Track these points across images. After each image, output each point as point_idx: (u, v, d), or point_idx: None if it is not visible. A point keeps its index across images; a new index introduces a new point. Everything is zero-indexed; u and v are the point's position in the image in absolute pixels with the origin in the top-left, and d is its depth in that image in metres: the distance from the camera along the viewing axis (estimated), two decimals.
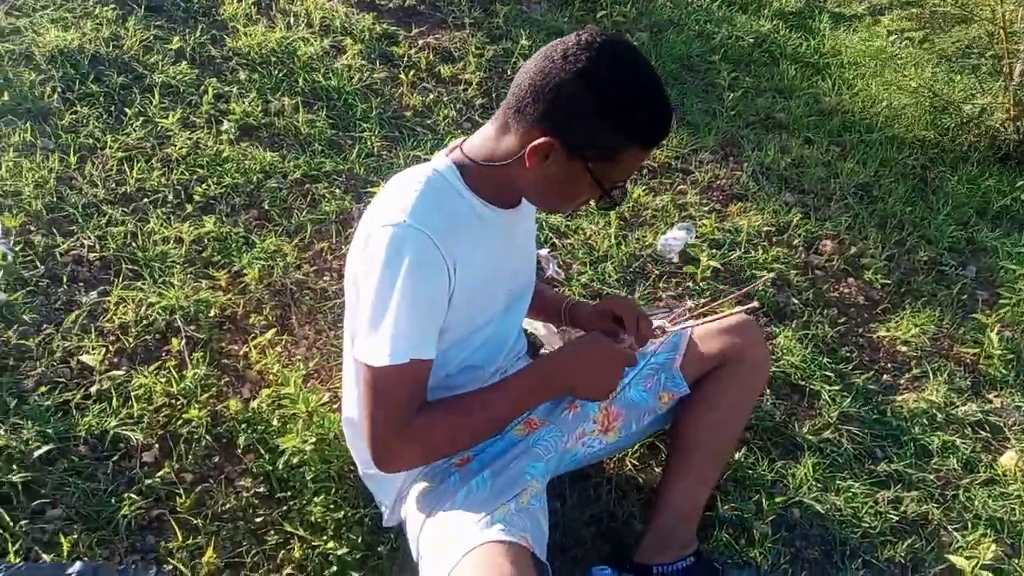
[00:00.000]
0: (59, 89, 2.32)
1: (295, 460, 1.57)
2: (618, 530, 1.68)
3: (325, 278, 2.04)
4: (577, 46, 1.14)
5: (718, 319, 1.59)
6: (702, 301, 2.14)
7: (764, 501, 1.79)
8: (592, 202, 1.29)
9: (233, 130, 2.35)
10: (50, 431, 1.53)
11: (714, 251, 2.43)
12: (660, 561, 1.51)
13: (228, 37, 2.70)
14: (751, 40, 3.56)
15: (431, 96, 2.75)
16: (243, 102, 2.46)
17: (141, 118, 2.31)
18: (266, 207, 2.17)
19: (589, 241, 2.37)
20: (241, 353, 1.79)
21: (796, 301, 2.38)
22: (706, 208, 2.64)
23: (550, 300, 1.65)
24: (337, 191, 2.29)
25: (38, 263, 1.85)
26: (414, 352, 1.18)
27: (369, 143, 2.48)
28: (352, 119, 2.56)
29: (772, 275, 2.39)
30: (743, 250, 2.49)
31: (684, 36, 3.41)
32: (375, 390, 1.20)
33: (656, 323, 1.55)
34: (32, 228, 1.93)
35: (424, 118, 2.67)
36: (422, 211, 1.20)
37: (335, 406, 1.72)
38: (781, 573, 1.68)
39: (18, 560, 1.37)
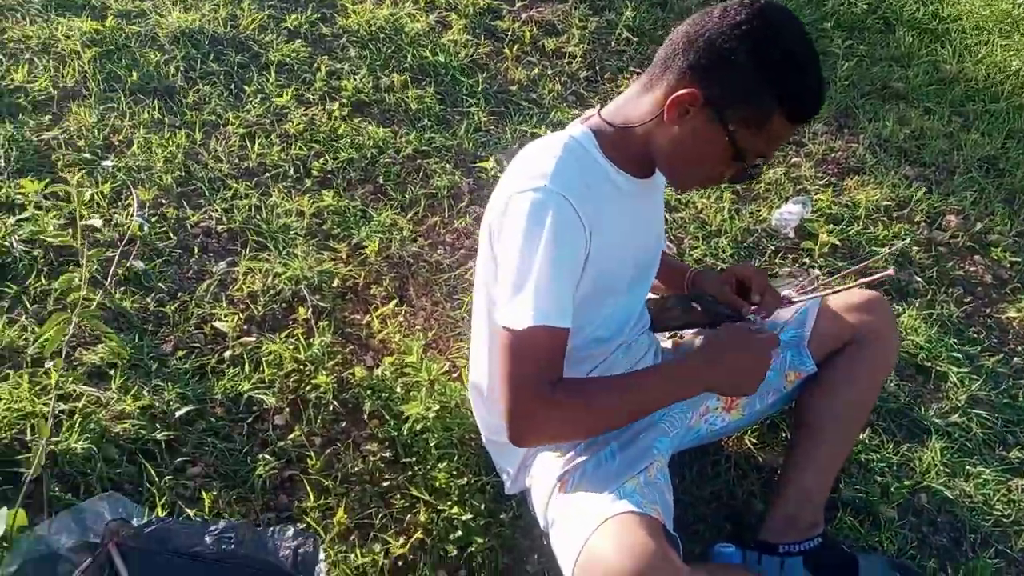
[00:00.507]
0: (182, 68, 2.41)
1: (418, 427, 1.60)
2: (738, 508, 1.65)
3: (439, 251, 2.07)
4: (739, 4, 1.11)
5: (849, 289, 1.53)
6: (827, 272, 2.06)
7: (890, 485, 1.73)
8: (727, 179, 1.26)
9: (346, 106, 2.40)
10: (189, 393, 1.61)
11: (832, 226, 2.34)
12: (787, 540, 1.48)
13: (338, 15, 2.75)
14: (864, 6, 3.39)
15: (535, 70, 2.74)
16: (354, 79, 2.50)
17: (259, 95, 2.38)
18: (380, 181, 2.21)
19: (701, 215, 2.32)
20: (364, 323, 1.84)
21: (919, 279, 2.27)
22: (821, 182, 2.54)
23: (673, 269, 1.62)
24: (447, 166, 2.31)
25: (171, 234, 1.94)
26: (555, 318, 1.16)
27: (476, 118, 2.49)
28: (459, 94, 2.57)
29: (907, 241, 2.28)
30: (862, 225, 2.39)
31: (794, 3, 3.27)
32: (513, 355, 1.17)
33: (783, 292, 1.50)
34: (164, 201, 2.02)
35: (529, 92, 2.66)
36: (562, 176, 1.19)
37: (455, 375, 1.75)
38: (908, 559, 1.62)
39: (163, 513, 1.45)
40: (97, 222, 1.72)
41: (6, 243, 1.82)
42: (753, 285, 1.46)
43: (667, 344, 1.65)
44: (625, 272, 1.37)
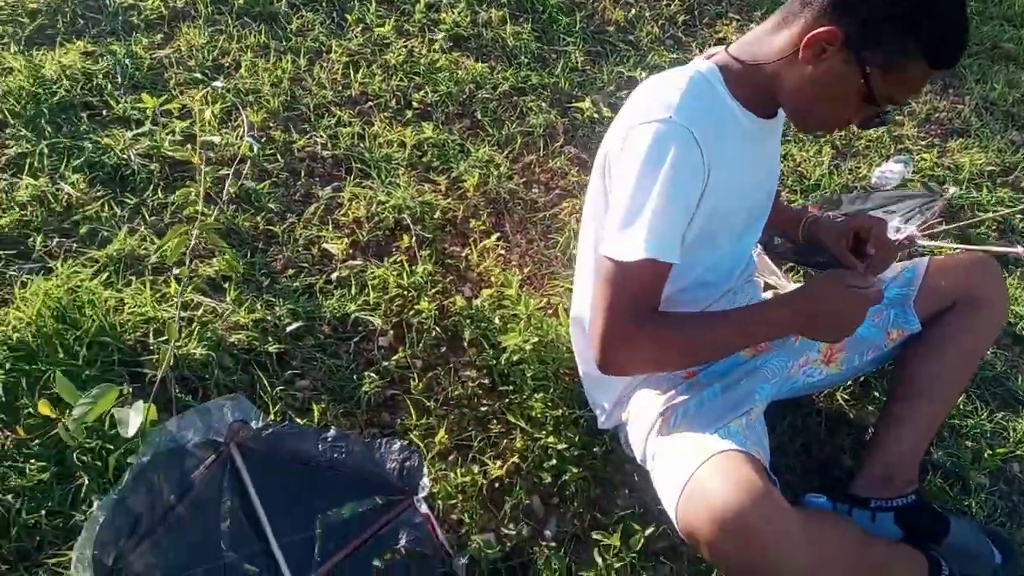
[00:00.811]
0: None
1: (515, 358, 1.64)
2: (827, 462, 1.66)
3: (534, 190, 2.08)
4: None
5: (971, 251, 1.49)
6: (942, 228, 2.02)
7: (982, 451, 1.71)
8: (854, 124, 1.23)
9: (445, 40, 2.40)
10: (299, 310, 1.67)
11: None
12: (880, 496, 1.49)
13: None
14: None
15: (633, 11, 2.69)
16: (453, 12, 2.49)
17: (360, 25, 2.39)
18: (478, 116, 2.22)
19: (799, 168, 2.27)
20: (462, 255, 1.87)
21: (1021, 248, 2.20)
22: (924, 142, 2.46)
23: (788, 214, 1.60)
24: (543, 104, 2.30)
25: (279, 157, 1.99)
26: (664, 252, 1.15)
27: (573, 58, 2.47)
28: (556, 32, 2.55)
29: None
30: (964, 189, 2.31)
31: None
32: (615, 286, 1.18)
33: (909, 229, 1.47)
34: (271, 124, 2.07)
35: (626, 34, 2.62)
36: (688, 110, 1.18)
37: (550, 311, 1.78)
38: (997, 525, 1.62)
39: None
40: (216, 139, 1.77)
41: (125, 156, 1.89)
42: (871, 237, 1.43)
43: (767, 295, 1.64)
44: (739, 215, 1.36)
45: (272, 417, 1.52)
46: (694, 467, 1.20)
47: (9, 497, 1.32)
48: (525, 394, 1.61)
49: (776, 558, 1.08)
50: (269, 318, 1.65)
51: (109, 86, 2.06)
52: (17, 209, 1.74)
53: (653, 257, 1.15)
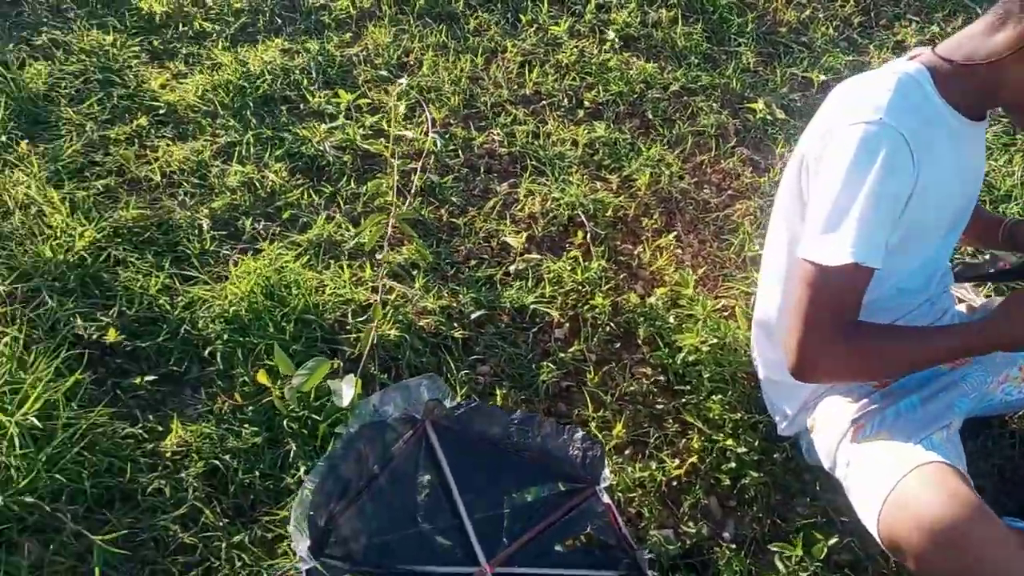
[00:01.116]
0: None
1: (691, 358, 1.65)
2: (1020, 485, 1.57)
3: (705, 190, 2.07)
4: None
5: None
6: None
7: None
8: None
9: (615, 40, 2.43)
10: (482, 299, 1.74)
11: None
12: None
13: None
14: None
15: (807, 12, 2.62)
16: (623, 12, 2.52)
17: (534, 25, 2.46)
18: (649, 116, 2.24)
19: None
20: (635, 252, 1.90)
21: None
22: None
23: (986, 218, 1.53)
24: (714, 105, 2.29)
25: (459, 153, 2.07)
26: (869, 257, 1.13)
27: (744, 59, 2.44)
28: (727, 33, 2.52)
29: None
30: None
31: None
32: (816, 290, 1.16)
33: None
34: (451, 121, 2.16)
35: (799, 35, 2.56)
36: (898, 111, 1.15)
37: (726, 313, 1.77)
38: None
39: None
40: (409, 134, 1.87)
41: (321, 147, 2.03)
42: None
43: (960, 308, 1.58)
44: (942, 219, 1.32)
45: (459, 398, 1.59)
46: (898, 477, 1.17)
47: (227, 457, 1.45)
48: (702, 395, 1.62)
49: (994, 571, 1.05)
50: (454, 305, 1.73)
51: (305, 81, 2.21)
52: (228, 193, 1.90)
53: (859, 262, 1.14)
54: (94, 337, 1.54)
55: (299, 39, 2.35)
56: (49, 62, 2.16)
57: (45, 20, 2.33)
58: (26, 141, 1.92)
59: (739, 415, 1.58)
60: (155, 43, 2.30)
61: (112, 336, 1.54)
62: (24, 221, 1.72)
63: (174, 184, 1.90)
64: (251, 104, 2.12)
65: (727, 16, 2.56)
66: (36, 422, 1.33)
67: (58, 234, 1.69)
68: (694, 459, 1.53)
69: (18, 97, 2.03)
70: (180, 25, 2.36)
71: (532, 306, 1.75)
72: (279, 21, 2.42)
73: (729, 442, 1.54)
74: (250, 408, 1.52)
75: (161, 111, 2.07)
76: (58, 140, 1.94)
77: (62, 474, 1.31)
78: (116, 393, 1.48)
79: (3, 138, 1.92)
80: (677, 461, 1.53)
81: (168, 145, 1.98)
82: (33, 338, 1.51)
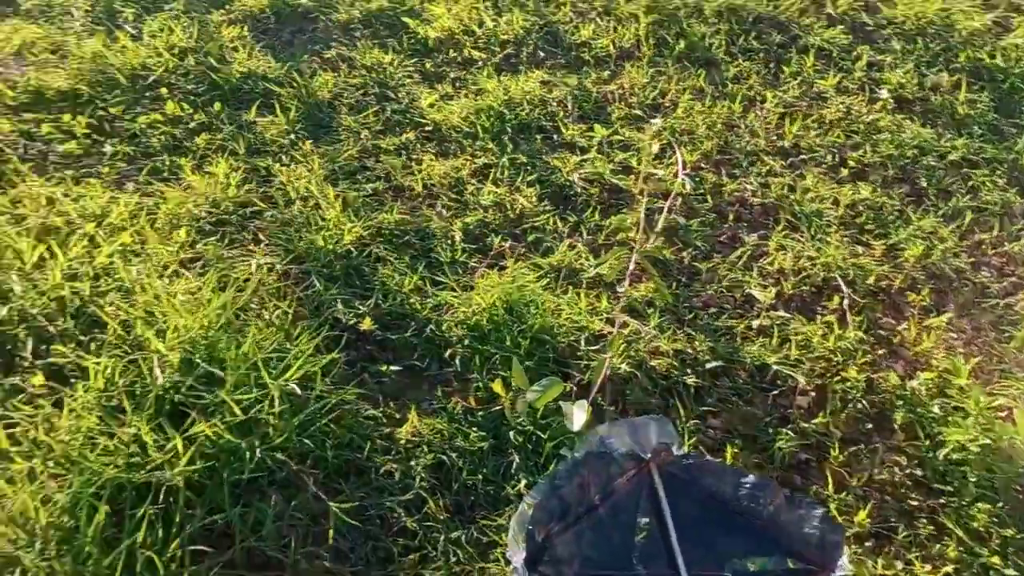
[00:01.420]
0: (725, 42, 2.49)
1: (956, 456, 1.46)
2: None
3: (984, 272, 1.86)
4: None
5: None
6: None
7: None
8: None
9: (889, 100, 2.27)
10: (719, 349, 1.66)
11: None
12: None
13: (883, 5, 2.61)
14: None
15: None
16: (897, 72, 2.35)
17: (798, 78, 2.36)
18: (921, 184, 2.06)
19: None
20: (897, 328, 1.73)
21: None
22: None
23: None
24: (999, 180, 2.06)
25: (708, 198, 2.02)
26: None
27: None
28: (1018, 104, 2.28)
29: None
30: None
31: None
32: None
33: None
34: (703, 166, 2.11)
35: None
36: None
37: (1003, 414, 1.56)
38: None
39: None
40: (660, 172, 1.85)
41: (570, 178, 2.05)
42: None
43: None
44: None
45: (686, 447, 1.52)
46: None
47: (454, 455, 1.47)
48: (965, 500, 1.42)
49: None
50: (689, 351, 1.67)
51: (561, 113, 2.26)
52: (480, 211, 1.97)
53: None
54: (351, 323, 1.64)
55: (559, 72, 2.42)
56: (335, 74, 2.38)
57: (335, 37, 2.59)
58: (310, 141, 2.12)
59: (1010, 532, 1.37)
60: (427, 65, 2.46)
61: (367, 324, 1.63)
62: (303, 211, 1.89)
63: (433, 196, 2.00)
64: (509, 130, 2.21)
65: (1019, 85, 2.31)
66: (296, 388, 1.43)
67: (331, 227, 1.84)
68: (948, 569, 1.34)
69: (307, 102, 2.26)
70: (451, 51, 2.52)
71: (775, 367, 1.64)
72: (541, 54, 2.52)
73: (995, 560, 1.33)
74: (480, 413, 1.54)
75: (428, 128, 2.21)
76: (337, 143, 2.13)
77: (310, 439, 1.39)
78: (364, 376, 1.56)
79: (292, 136, 2.13)
80: (928, 567, 1.35)
81: (431, 160, 2.09)
82: (299, 315, 1.63)
